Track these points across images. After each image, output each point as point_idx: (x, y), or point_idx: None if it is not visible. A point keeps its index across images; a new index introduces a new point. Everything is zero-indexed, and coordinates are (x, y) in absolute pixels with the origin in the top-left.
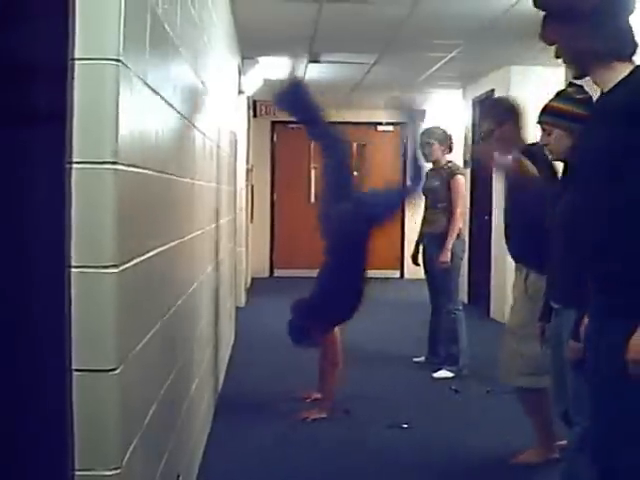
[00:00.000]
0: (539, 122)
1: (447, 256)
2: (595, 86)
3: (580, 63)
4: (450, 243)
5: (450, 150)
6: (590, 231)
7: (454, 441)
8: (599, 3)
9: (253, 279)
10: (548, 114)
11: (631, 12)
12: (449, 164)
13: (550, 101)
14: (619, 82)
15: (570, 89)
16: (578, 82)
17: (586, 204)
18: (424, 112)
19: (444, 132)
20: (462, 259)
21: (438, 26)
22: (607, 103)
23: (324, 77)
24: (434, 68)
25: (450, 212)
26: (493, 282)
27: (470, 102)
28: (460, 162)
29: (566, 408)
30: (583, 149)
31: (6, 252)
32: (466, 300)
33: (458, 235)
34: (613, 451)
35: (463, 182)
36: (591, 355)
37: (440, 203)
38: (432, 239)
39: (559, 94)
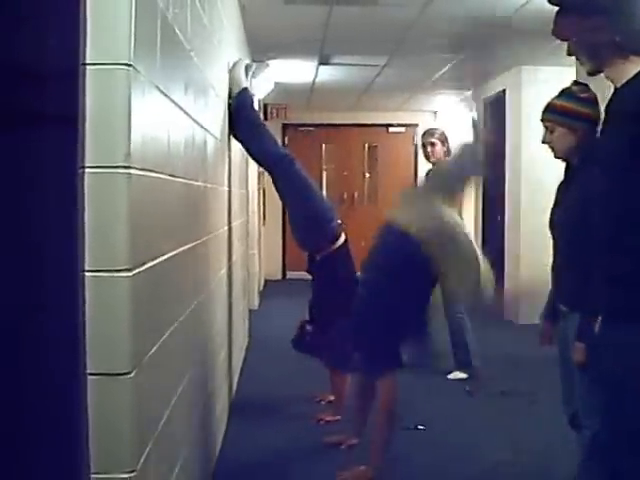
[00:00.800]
0: (542, 120)
1: None
2: (609, 82)
3: (597, 57)
4: None
5: (449, 152)
6: (600, 230)
7: (469, 442)
8: None
9: (266, 281)
10: (551, 112)
11: None
12: None
13: (553, 99)
14: (634, 76)
15: (574, 87)
16: (581, 81)
17: (600, 202)
18: None
19: (444, 133)
20: None
21: (448, 27)
22: (622, 98)
23: (335, 79)
24: (444, 69)
25: None
26: (507, 283)
27: (481, 103)
28: None
29: (574, 412)
30: (599, 146)
31: (20, 257)
32: None
33: None
34: (620, 452)
35: None
36: (600, 356)
37: None
38: None
39: (563, 92)
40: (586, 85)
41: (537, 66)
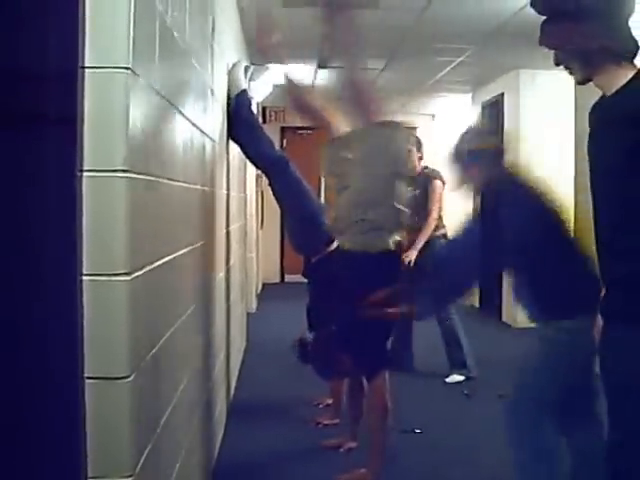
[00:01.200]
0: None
1: (413, 255)
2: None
3: (589, 64)
4: (419, 244)
5: (423, 158)
6: (598, 234)
7: (467, 446)
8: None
9: (264, 285)
10: (460, 157)
11: (631, 13)
12: (426, 170)
13: (459, 144)
14: (627, 83)
15: (473, 127)
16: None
17: (599, 209)
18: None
19: (419, 139)
20: None
21: (447, 31)
22: (615, 105)
23: (333, 83)
24: (443, 72)
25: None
26: (505, 285)
27: (479, 106)
28: None
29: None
30: (590, 154)
31: (18, 260)
32: (477, 304)
33: (445, 236)
34: (623, 452)
35: (441, 187)
36: (602, 359)
37: (422, 210)
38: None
39: (466, 134)
40: (477, 124)
41: (535, 69)
